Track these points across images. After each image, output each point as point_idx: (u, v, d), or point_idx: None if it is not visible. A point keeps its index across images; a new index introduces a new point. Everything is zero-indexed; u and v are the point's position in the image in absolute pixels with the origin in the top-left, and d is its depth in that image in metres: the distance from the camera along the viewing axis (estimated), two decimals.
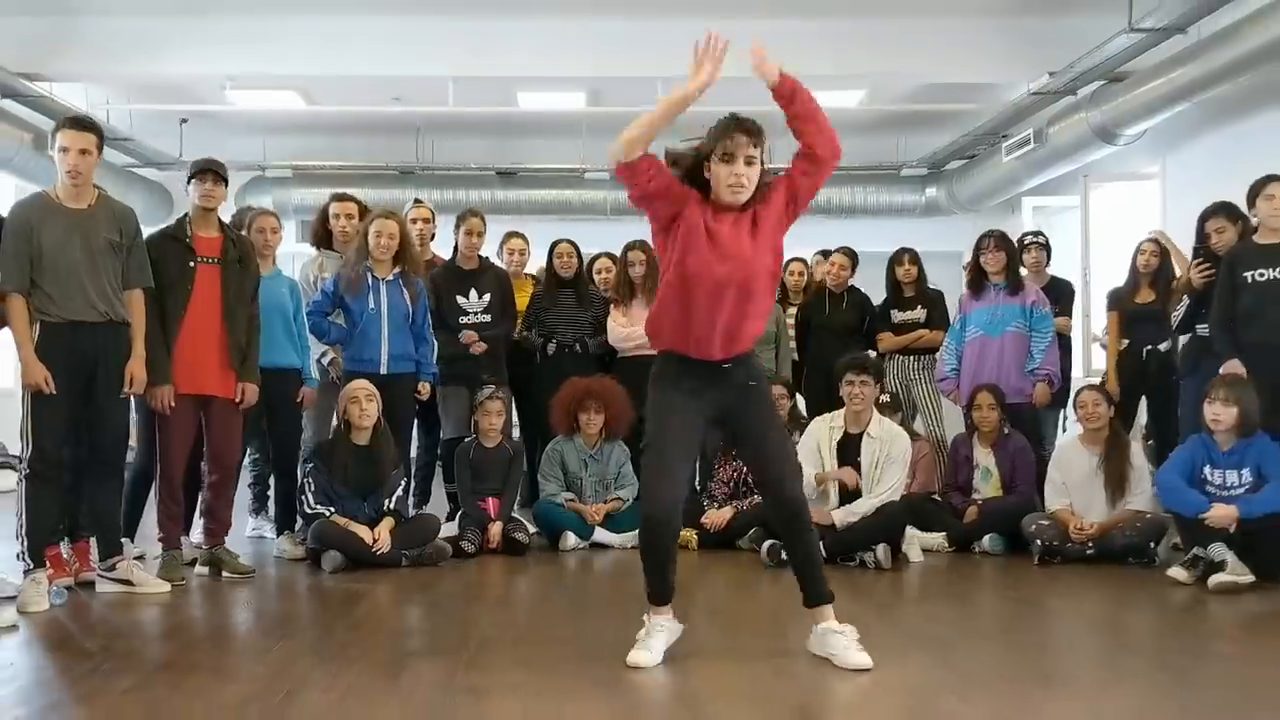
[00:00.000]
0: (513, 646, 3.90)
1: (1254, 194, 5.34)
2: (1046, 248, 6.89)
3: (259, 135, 11.84)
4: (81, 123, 4.74)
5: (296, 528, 5.82)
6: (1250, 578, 4.66)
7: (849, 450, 5.64)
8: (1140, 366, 6.37)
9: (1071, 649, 4.01)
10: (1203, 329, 5.68)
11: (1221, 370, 5.13)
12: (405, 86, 10.12)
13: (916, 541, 5.53)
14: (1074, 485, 5.56)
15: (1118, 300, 6.62)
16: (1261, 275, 5.27)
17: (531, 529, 6.05)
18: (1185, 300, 5.74)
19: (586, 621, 4.32)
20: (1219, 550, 4.72)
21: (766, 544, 5.47)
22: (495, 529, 5.86)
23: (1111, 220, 9.84)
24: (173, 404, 4.97)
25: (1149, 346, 6.34)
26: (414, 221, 6.57)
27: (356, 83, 9.93)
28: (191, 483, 5.39)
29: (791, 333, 7.22)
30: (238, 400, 5.20)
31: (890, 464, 5.51)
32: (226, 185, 5.23)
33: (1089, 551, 5.36)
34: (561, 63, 9.44)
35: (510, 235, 7.09)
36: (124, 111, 10.66)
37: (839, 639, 3.54)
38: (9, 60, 8.43)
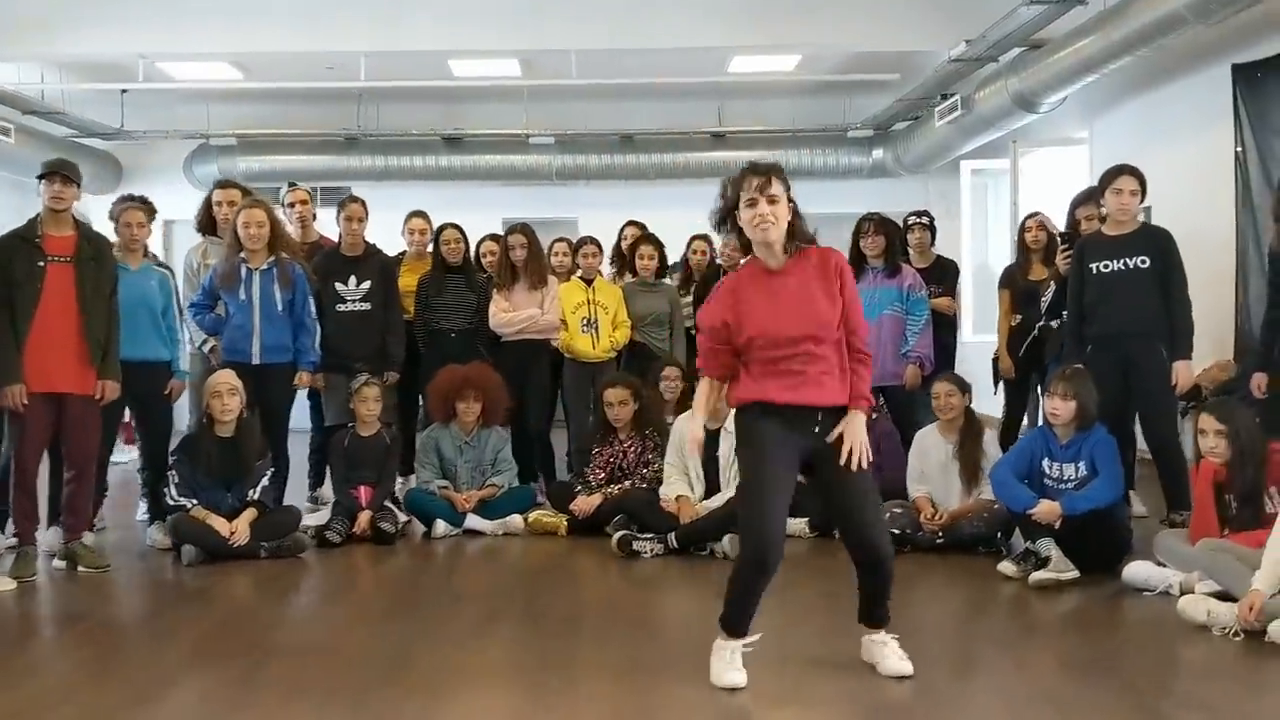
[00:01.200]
0: (303, 653, 3.96)
1: (1103, 185, 5.28)
2: (931, 228, 6.84)
3: (203, 104, 11.81)
4: None
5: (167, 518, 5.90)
6: (1074, 573, 4.67)
7: (709, 445, 5.65)
8: (1033, 343, 6.34)
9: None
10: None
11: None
12: (337, 58, 10.05)
13: None
14: (932, 473, 5.56)
15: (1010, 278, 6.57)
16: (1106, 267, 5.23)
17: (403, 517, 6.10)
18: (1052, 287, 5.71)
19: (396, 623, 4.37)
20: (1045, 545, 4.73)
21: (618, 535, 5.50)
22: (364, 518, 5.91)
23: (1042, 185, 9.76)
24: (24, 403, 5.02)
25: (1040, 323, 6.30)
26: (291, 205, 6.58)
27: (286, 57, 9.89)
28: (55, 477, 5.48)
29: (689, 311, 7.19)
30: (97, 397, 5.25)
31: None
32: (79, 187, 5.24)
33: (939, 540, 5.38)
34: (488, 35, 9.38)
35: (412, 215, 7.07)
36: (59, 87, 10.63)
37: (882, 649, 3.63)
38: None
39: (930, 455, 5.57)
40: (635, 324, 7.02)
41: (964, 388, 5.58)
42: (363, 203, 6.73)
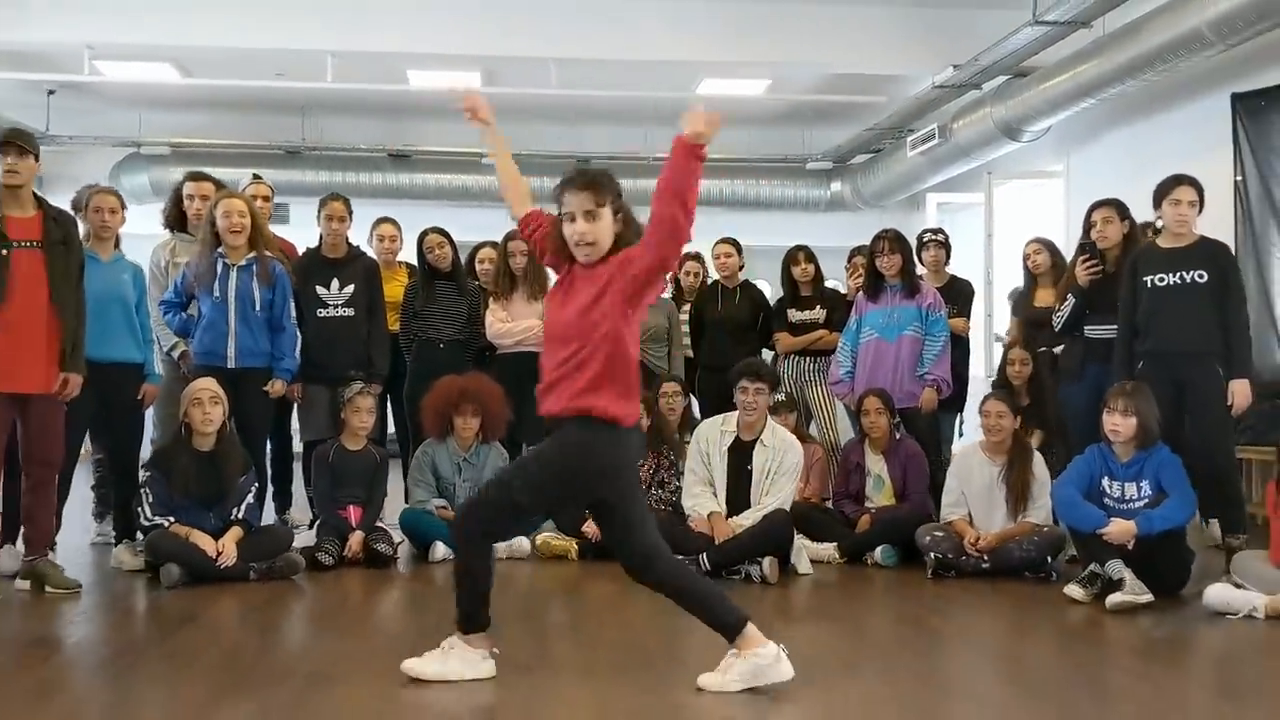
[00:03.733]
0: (350, 681, 3.47)
1: (1160, 196, 5.11)
2: (946, 246, 6.63)
3: (135, 109, 11.19)
4: None
5: (136, 536, 5.32)
6: (1148, 596, 4.42)
7: (739, 456, 5.32)
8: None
9: (961, 684, 3.72)
10: (1092, 330, 5.46)
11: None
12: (287, 61, 9.55)
13: (805, 553, 5.22)
14: (973, 495, 5.28)
15: (1017, 304, 6.39)
16: (1161, 280, 5.05)
17: (398, 538, 5.61)
18: (1070, 300, 5.51)
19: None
20: (1116, 568, 4.47)
21: None
22: (356, 539, 5.41)
23: (1015, 218, 9.70)
24: None
25: (1041, 349, 6.11)
26: (253, 198, 6.08)
27: (235, 55, 9.37)
28: (13, 485, 4.88)
29: (686, 329, 6.88)
30: (59, 392, 4.68)
31: (781, 475, 5.21)
32: (36, 159, 4.68)
33: (984, 566, 5.10)
34: (452, 39, 9.01)
35: (380, 221, 6.64)
36: None
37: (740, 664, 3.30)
38: None
39: (974, 476, 5.29)
40: None
41: (1014, 409, 5.34)
42: (345, 201, 6.28)
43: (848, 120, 11.20)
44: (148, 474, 5.12)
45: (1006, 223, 9.58)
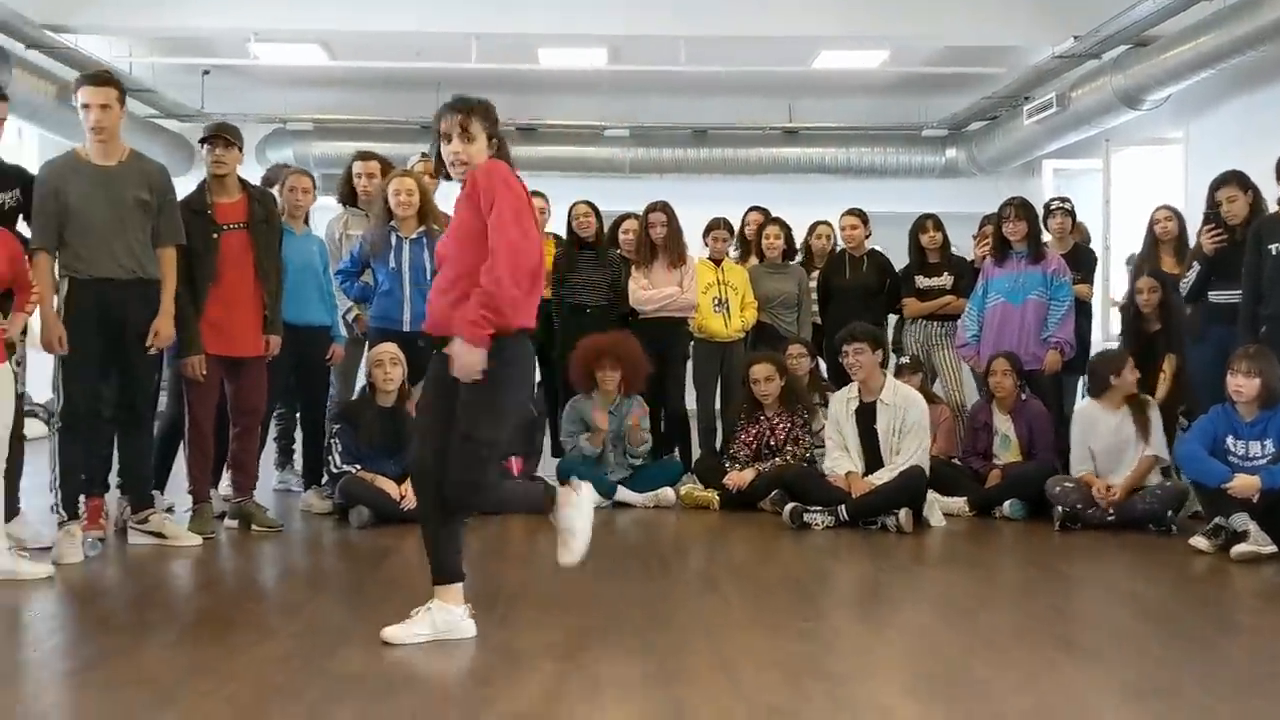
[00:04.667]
0: (540, 606, 3.96)
1: None
2: (1071, 214, 6.86)
3: (281, 88, 11.82)
4: (100, 78, 4.76)
5: (323, 482, 5.90)
6: (1273, 548, 4.69)
7: (865, 418, 5.69)
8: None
9: (1093, 617, 4.07)
10: (1215, 295, 5.68)
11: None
12: (427, 42, 10.08)
13: (937, 506, 5.57)
14: (1099, 449, 5.58)
15: (1139, 271, 6.59)
16: None
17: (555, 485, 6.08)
18: (1196, 266, 5.73)
19: (611, 584, 4.37)
20: (1241, 520, 4.75)
21: (789, 506, 5.51)
22: None
23: (1132, 185, 9.81)
24: (204, 373, 5.02)
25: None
26: (421, 175, 6.56)
27: (379, 38, 9.92)
28: (220, 435, 5.46)
29: (815, 295, 7.23)
30: (266, 354, 5.26)
31: (908, 432, 5.56)
32: (240, 149, 5.25)
33: (1110, 518, 5.40)
34: (583, 20, 9.42)
35: (531, 194, 7.05)
36: (147, 64, 10.63)
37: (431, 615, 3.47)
38: (35, 12, 8.42)
39: (1098, 430, 5.58)
40: (762, 306, 7.03)
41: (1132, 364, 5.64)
42: None
43: (963, 89, 11.34)
44: (337, 426, 5.69)
45: (1123, 189, 9.69)
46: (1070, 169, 10.83)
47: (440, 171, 3.64)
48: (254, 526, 5.29)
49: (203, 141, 5.24)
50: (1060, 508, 5.43)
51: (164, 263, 4.82)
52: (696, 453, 6.81)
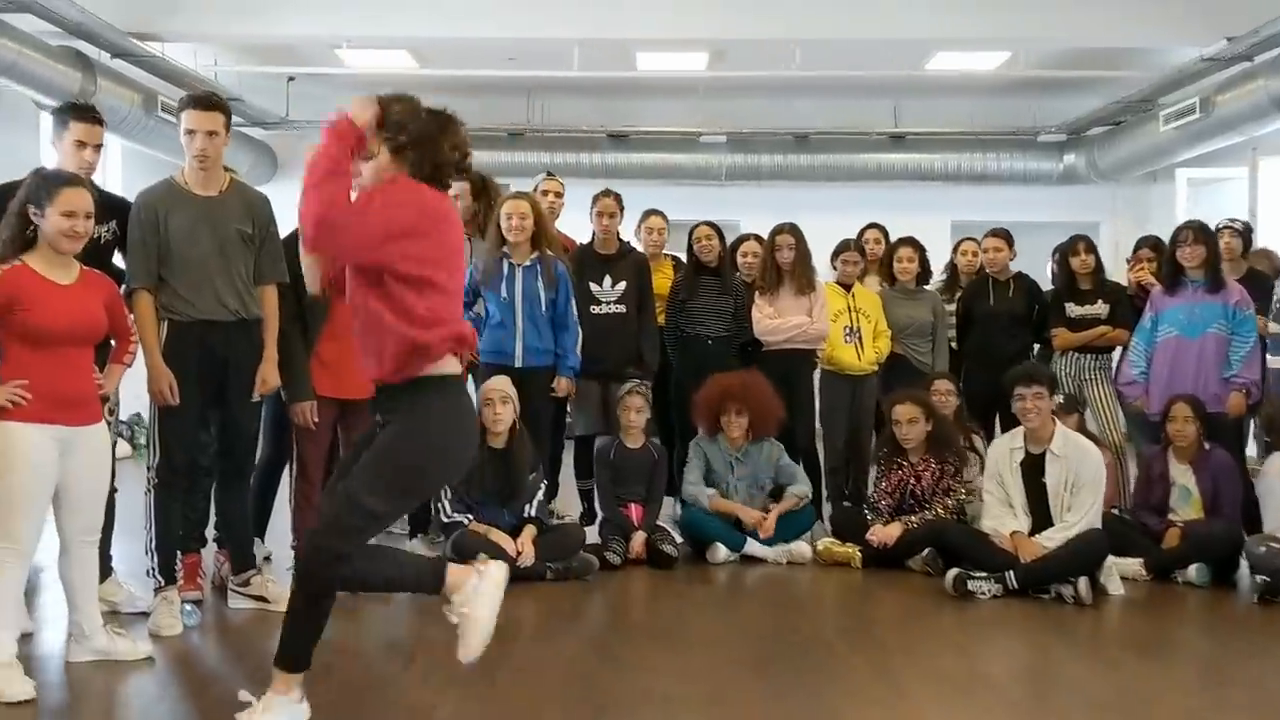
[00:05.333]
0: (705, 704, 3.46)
1: None
2: (1243, 234, 6.20)
3: (365, 93, 11.44)
4: (207, 101, 4.30)
5: (429, 531, 5.46)
6: None
7: (1031, 471, 5.11)
8: None
9: None
10: None
11: None
12: (521, 48, 9.64)
13: (1115, 571, 4.98)
14: None
15: None
16: None
17: (677, 538, 5.59)
18: None
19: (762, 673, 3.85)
20: None
21: (953, 573, 4.93)
22: (639, 539, 5.43)
23: (1276, 196, 9.10)
24: (315, 420, 4.59)
25: None
26: (544, 194, 6.10)
27: (471, 44, 9.49)
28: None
29: (952, 320, 6.65)
30: None
31: (1083, 487, 4.98)
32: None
33: None
34: (687, 24, 8.91)
35: (649, 213, 6.57)
36: (232, 72, 10.31)
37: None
38: (121, 20, 8.10)
39: None
40: (895, 334, 6.49)
41: None
42: (616, 197, 6.25)
43: (1086, 90, 10.66)
44: None
45: (1271, 199, 8.99)
46: (1207, 178, 10.09)
47: None
48: None
49: None
50: (1261, 577, 4.80)
51: (266, 302, 4.39)
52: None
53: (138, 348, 4.02)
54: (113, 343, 3.91)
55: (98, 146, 4.27)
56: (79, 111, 4.34)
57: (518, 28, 8.83)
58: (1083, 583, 4.70)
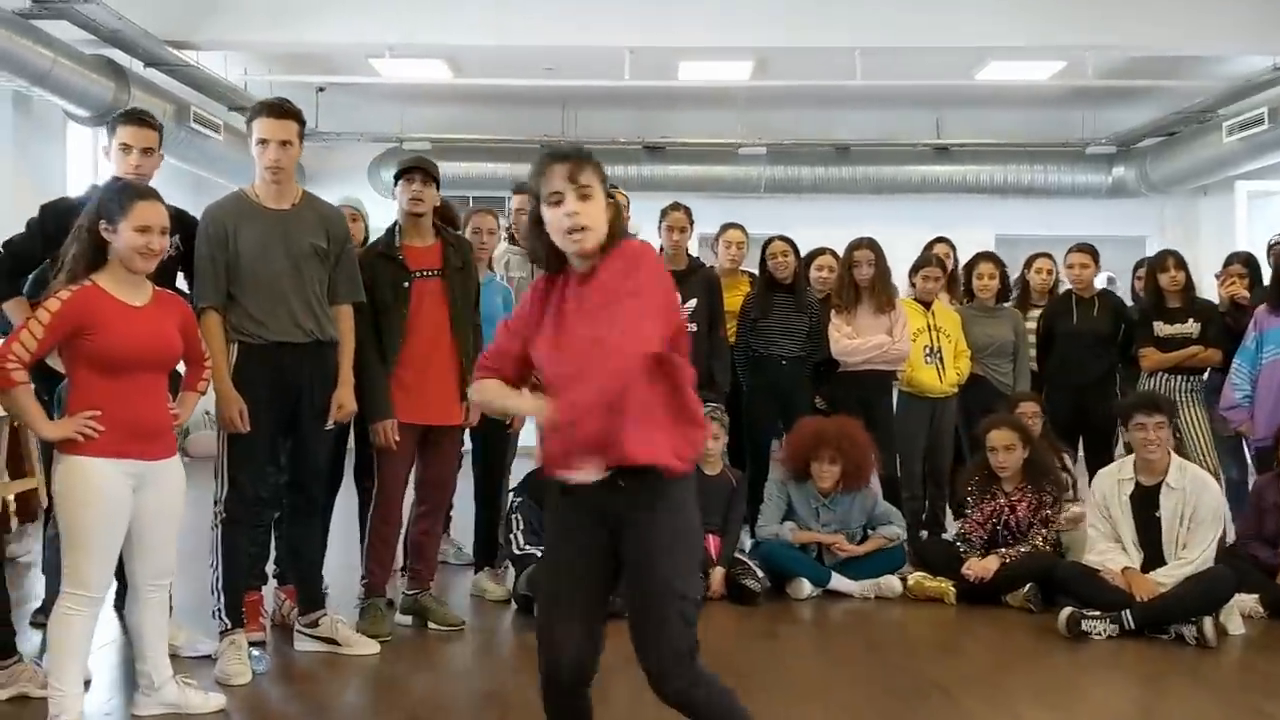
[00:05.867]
0: None
1: None
2: None
3: (397, 105, 11.20)
4: (282, 109, 4.02)
5: (497, 563, 5.17)
6: None
7: (1145, 503, 4.81)
8: None
9: None
10: None
11: None
12: (559, 58, 9.37)
13: (1236, 610, 4.67)
14: None
15: None
16: None
17: (758, 571, 5.28)
18: None
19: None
20: None
21: (1066, 612, 4.60)
22: (718, 575, 5.12)
23: None
24: (397, 439, 4.29)
25: None
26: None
27: (508, 53, 9.22)
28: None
29: (1032, 339, 6.36)
30: (466, 423, 4.53)
31: (1201, 522, 4.68)
32: (439, 185, 4.50)
33: None
34: (734, 33, 8.65)
35: (728, 227, 6.28)
36: (262, 81, 10.04)
37: None
38: (157, 27, 7.84)
39: None
40: (975, 354, 6.20)
41: None
42: (686, 211, 5.97)
43: (1137, 101, 10.39)
44: (518, 500, 4.95)
45: None
46: (1269, 190, 9.80)
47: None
48: (430, 624, 4.55)
49: (399, 176, 4.50)
50: None
51: (342, 322, 4.10)
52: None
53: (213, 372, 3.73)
54: (182, 368, 3.62)
55: (146, 150, 3.99)
56: (126, 115, 4.10)
57: (558, 36, 8.57)
58: (1207, 623, 4.40)
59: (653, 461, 2.45)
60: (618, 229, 2.54)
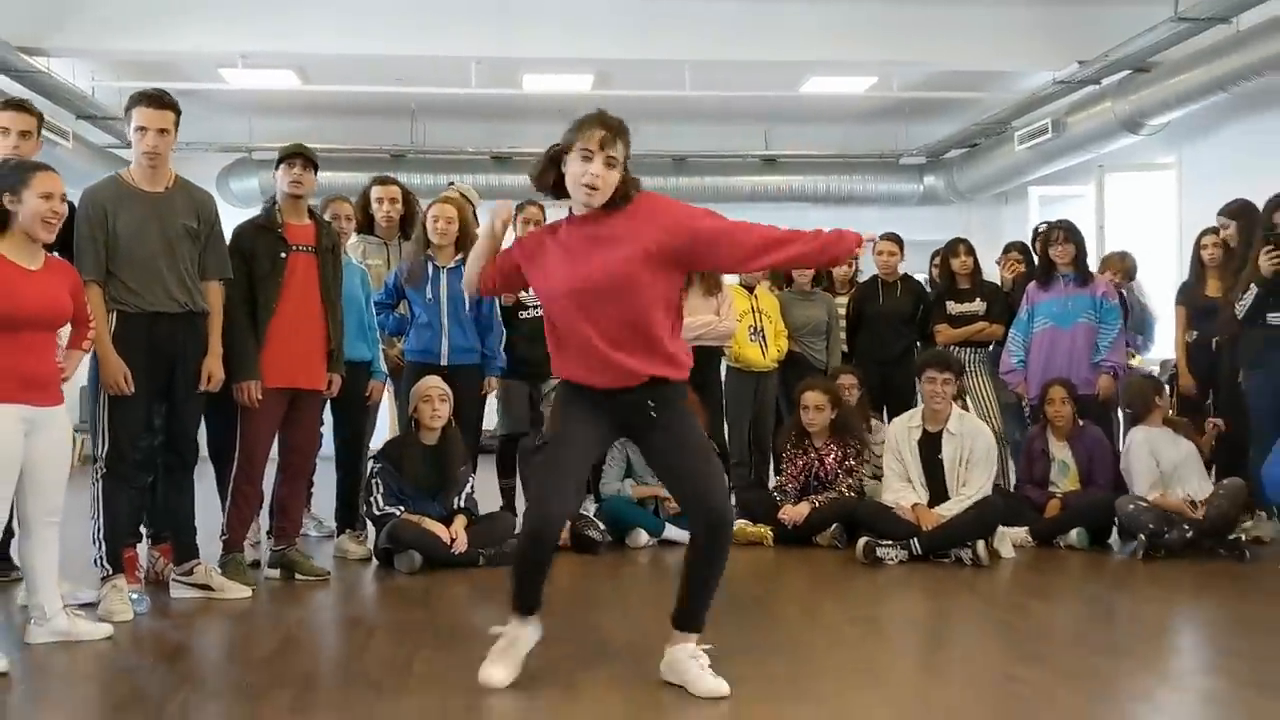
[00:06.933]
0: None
1: None
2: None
3: (245, 116, 11.43)
4: (161, 100, 4.43)
5: (357, 526, 5.59)
6: None
7: (929, 448, 5.56)
8: (1210, 359, 6.28)
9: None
10: (1275, 318, 5.65)
11: None
12: (408, 67, 9.80)
13: (1008, 538, 5.43)
14: (1169, 471, 5.52)
15: (1185, 294, 6.53)
16: None
17: (600, 525, 5.84)
18: (1252, 289, 5.68)
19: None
20: None
21: (862, 541, 5.32)
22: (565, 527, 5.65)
23: (1122, 211, 9.88)
24: (259, 398, 4.69)
25: (1217, 338, 6.25)
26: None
27: (358, 63, 9.61)
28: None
29: (843, 321, 7.08)
30: (327, 391, 4.98)
31: (976, 462, 5.44)
32: (316, 171, 4.96)
33: (1188, 535, 5.29)
34: (573, 44, 9.22)
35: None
36: (111, 89, 10.18)
37: (693, 664, 3.31)
38: (7, 32, 7.99)
39: (1164, 454, 5.53)
40: (792, 333, 6.89)
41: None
42: (541, 206, 6.45)
43: (945, 115, 11.37)
44: (379, 465, 5.38)
45: (1113, 216, 9.76)
46: (1057, 194, 10.87)
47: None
48: (298, 575, 4.95)
49: (281, 160, 4.93)
50: (1142, 536, 5.31)
51: (211, 298, 4.50)
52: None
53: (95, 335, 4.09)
54: (64, 330, 3.96)
55: (24, 133, 4.40)
56: (4, 102, 4.49)
57: (406, 45, 8.99)
58: (980, 545, 5.15)
59: (681, 376, 3.26)
60: (630, 188, 3.28)
